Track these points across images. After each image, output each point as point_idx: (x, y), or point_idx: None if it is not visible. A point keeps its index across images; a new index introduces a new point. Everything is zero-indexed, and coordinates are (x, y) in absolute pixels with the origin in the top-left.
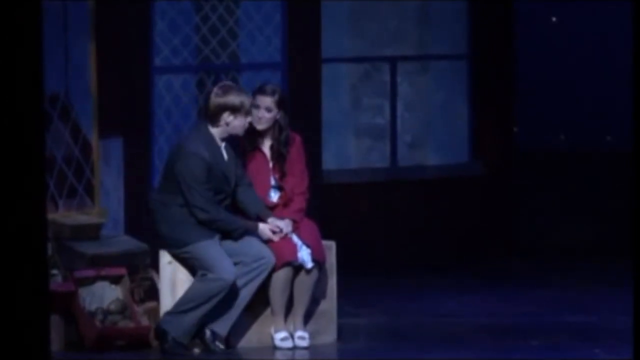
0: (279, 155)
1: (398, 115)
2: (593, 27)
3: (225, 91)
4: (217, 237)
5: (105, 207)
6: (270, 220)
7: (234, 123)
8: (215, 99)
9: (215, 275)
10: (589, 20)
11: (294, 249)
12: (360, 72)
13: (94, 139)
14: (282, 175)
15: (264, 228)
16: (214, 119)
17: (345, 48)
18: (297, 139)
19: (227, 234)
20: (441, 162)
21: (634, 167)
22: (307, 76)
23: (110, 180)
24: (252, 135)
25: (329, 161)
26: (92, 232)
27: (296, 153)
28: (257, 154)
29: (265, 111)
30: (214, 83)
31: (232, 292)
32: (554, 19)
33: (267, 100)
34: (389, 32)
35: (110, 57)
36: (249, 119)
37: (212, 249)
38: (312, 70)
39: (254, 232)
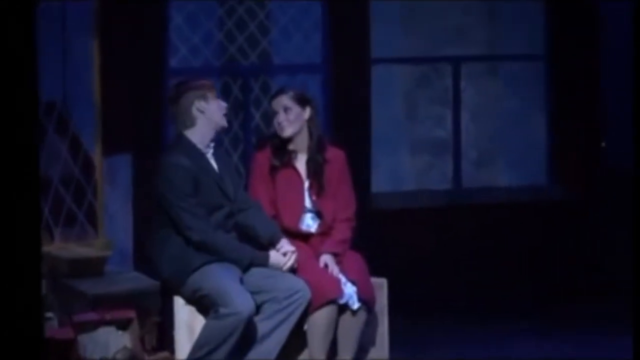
0: (315, 169)
1: (462, 127)
2: None
3: (183, 84)
4: (226, 262)
5: (110, 238)
6: (280, 242)
7: (210, 108)
8: (179, 96)
9: (228, 310)
10: None
11: (337, 284)
12: (417, 75)
13: (96, 155)
14: (320, 197)
15: (276, 257)
16: (188, 117)
17: (399, 47)
18: (341, 155)
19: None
20: (514, 183)
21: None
22: (353, 80)
23: (116, 205)
24: (281, 150)
25: (380, 182)
26: (94, 268)
27: (339, 172)
28: (288, 171)
29: (284, 112)
30: (242, 88)
31: (264, 334)
32: None
33: (282, 99)
34: (451, 28)
35: (116, 59)
36: (223, 103)
37: (220, 276)
38: (359, 74)
39: (265, 263)
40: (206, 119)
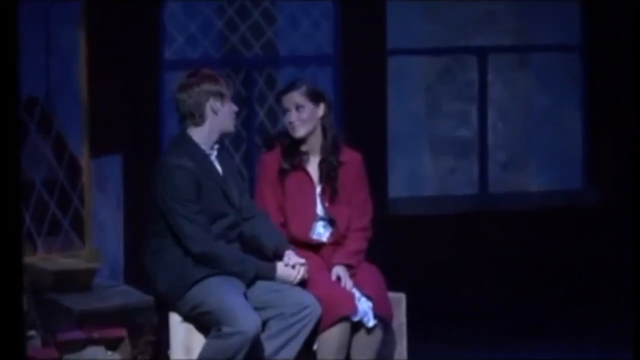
0: (328, 173)
1: (489, 126)
2: None
3: (199, 74)
4: (229, 276)
5: (98, 248)
6: (286, 254)
7: (224, 111)
8: (193, 88)
9: (232, 328)
10: None
11: (351, 299)
12: (439, 67)
13: (84, 156)
14: (333, 203)
15: (283, 269)
16: (198, 114)
17: (419, 36)
18: (357, 157)
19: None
20: (546, 188)
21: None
22: (368, 73)
23: (105, 211)
24: (292, 152)
25: (397, 187)
26: (81, 281)
27: (355, 176)
28: (298, 175)
29: (296, 110)
30: (244, 82)
31: (270, 354)
32: None
33: (293, 96)
34: (477, 15)
35: (105, 49)
36: (235, 107)
37: (223, 291)
38: (374, 66)
39: (272, 277)
40: (217, 120)
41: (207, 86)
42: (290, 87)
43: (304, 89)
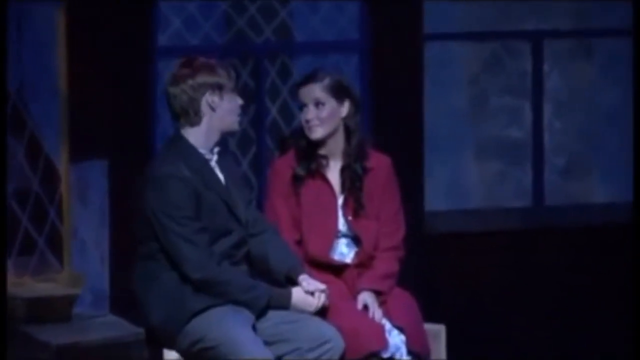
0: (352, 181)
1: (545, 125)
2: None
3: (192, 64)
4: (235, 305)
5: (80, 271)
6: (301, 279)
7: (223, 106)
8: (186, 81)
9: None
10: None
11: (380, 331)
12: (485, 56)
13: (62, 162)
14: (359, 217)
15: (302, 297)
16: (193, 112)
17: (461, 19)
18: (386, 163)
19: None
20: (612, 199)
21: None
22: (401, 63)
23: (88, 228)
24: (309, 156)
25: (435, 198)
26: (59, 310)
27: (384, 185)
28: (317, 183)
29: (315, 106)
30: (253, 73)
31: None
32: None
33: (313, 90)
34: None
35: (88, 34)
36: (239, 100)
37: (229, 323)
38: (408, 54)
39: (286, 305)
40: (216, 118)
41: (203, 78)
42: (310, 78)
43: (326, 81)
